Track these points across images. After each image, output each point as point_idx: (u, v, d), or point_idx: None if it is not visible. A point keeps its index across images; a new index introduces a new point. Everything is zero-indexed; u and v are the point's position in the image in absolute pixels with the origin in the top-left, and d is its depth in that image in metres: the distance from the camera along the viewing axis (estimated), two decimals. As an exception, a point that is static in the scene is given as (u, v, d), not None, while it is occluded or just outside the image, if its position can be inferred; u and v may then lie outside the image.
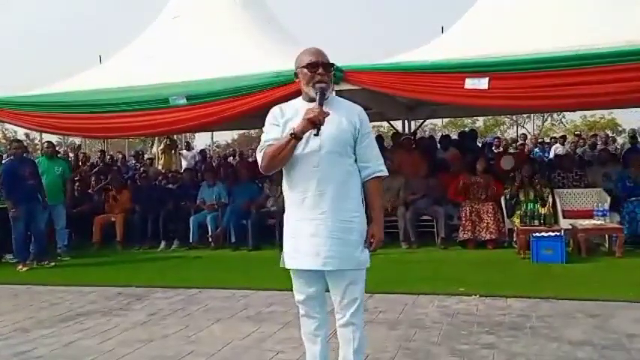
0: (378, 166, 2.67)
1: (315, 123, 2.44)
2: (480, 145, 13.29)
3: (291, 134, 2.48)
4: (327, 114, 2.47)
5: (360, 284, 2.63)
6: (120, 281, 6.22)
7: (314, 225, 2.56)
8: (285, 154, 2.54)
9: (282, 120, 2.64)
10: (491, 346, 3.66)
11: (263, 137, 2.68)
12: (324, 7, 78.55)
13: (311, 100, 2.56)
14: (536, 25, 6.89)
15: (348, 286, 2.59)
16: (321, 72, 2.58)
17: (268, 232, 8.37)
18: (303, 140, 2.51)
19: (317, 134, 2.47)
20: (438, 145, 10.55)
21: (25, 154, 7.85)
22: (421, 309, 4.61)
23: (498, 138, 16.82)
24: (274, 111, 2.72)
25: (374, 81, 6.98)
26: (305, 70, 2.61)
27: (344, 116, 2.60)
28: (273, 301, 5.04)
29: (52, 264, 7.44)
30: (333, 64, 2.64)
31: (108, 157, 13.99)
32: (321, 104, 2.48)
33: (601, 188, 7.56)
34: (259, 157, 2.64)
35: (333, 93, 2.72)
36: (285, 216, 2.72)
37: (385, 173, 2.67)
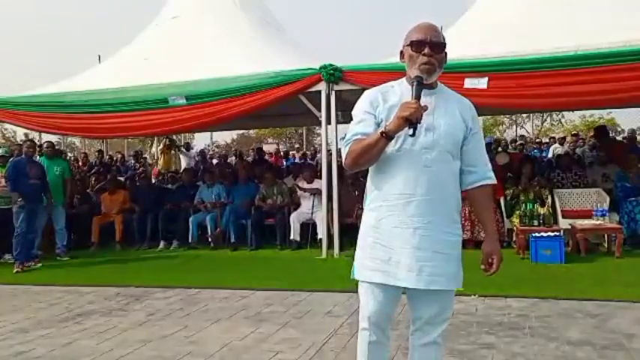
0: (486, 172, 2.29)
1: (411, 121, 2.06)
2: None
3: (382, 133, 2.09)
4: (426, 108, 2.09)
5: (453, 302, 2.37)
6: (119, 281, 6.22)
7: (417, 235, 2.17)
8: (374, 154, 2.14)
9: (384, 107, 2.21)
10: (490, 346, 3.66)
11: (351, 127, 2.24)
12: (324, 7, 78.55)
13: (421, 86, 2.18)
14: (536, 25, 6.89)
15: (443, 305, 2.29)
16: (427, 52, 2.16)
17: (268, 232, 8.38)
18: (422, 135, 2.16)
19: (413, 134, 2.09)
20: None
21: (34, 157, 7.89)
22: (420, 309, 4.60)
23: (497, 140, 16.80)
24: (371, 95, 2.25)
25: (373, 81, 6.92)
26: (410, 50, 2.20)
27: (457, 110, 2.23)
28: (273, 301, 5.03)
29: (39, 265, 7.42)
30: (444, 44, 2.20)
31: (107, 157, 14.00)
32: (418, 97, 2.10)
33: (600, 188, 7.56)
34: (344, 152, 2.22)
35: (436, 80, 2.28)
36: (370, 220, 2.26)
37: (494, 180, 2.29)
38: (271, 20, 9.79)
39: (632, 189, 7.22)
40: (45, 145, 8.60)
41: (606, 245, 6.96)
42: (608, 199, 7.24)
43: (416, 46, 2.18)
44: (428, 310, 2.28)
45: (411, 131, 2.08)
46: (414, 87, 2.12)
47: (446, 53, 2.24)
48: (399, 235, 2.18)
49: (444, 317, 2.32)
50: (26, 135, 15.20)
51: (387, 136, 2.10)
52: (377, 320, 2.28)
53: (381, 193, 2.22)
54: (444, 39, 2.22)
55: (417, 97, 2.10)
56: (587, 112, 26.60)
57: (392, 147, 2.17)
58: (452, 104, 2.24)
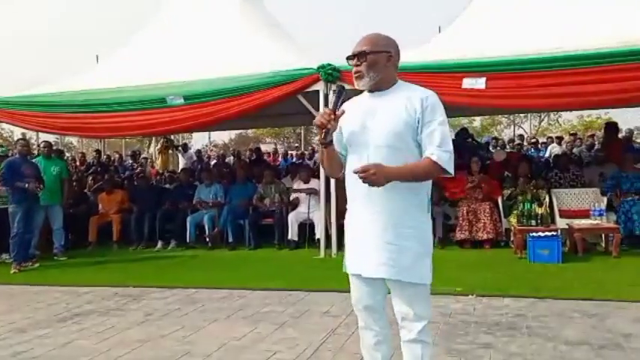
0: (433, 151, 2.28)
1: (320, 127, 2.30)
2: (481, 143, 13.26)
3: (320, 141, 2.37)
4: (338, 115, 2.31)
5: (425, 299, 2.42)
6: (116, 281, 6.21)
7: (372, 228, 2.35)
8: (324, 161, 2.46)
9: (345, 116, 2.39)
10: (488, 345, 3.67)
11: None
12: (322, 6, 78.55)
13: (369, 92, 2.42)
14: (534, 25, 6.90)
15: (410, 300, 2.38)
16: (353, 62, 2.39)
17: (266, 231, 8.38)
18: (358, 133, 2.36)
19: (325, 139, 2.32)
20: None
21: (29, 156, 7.86)
22: (418, 309, 4.61)
23: (495, 138, 16.84)
24: (346, 104, 2.44)
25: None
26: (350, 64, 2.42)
27: (403, 104, 2.33)
28: (270, 301, 5.03)
29: (37, 265, 7.41)
30: (363, 51, 2.35)
31: (104, 157, 13.98)
32: (334, 105, 2.32)
33: (597, 188, 7.57)
34: None
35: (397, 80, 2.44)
36: (346, 218, 2.52)
37: (439, 160, 2.27)
38: (270, 19, 9.78)
39: (629, 188, 7.26)
40: (42, 145, 8.60)
41: (603, 245, 6.97)
42: (605, 198, 7.25)
43: (349, 60, 2.42)
44: (399, 304, 2.41)
45: (327, 137, 2.33)
46: (333, 96, 2.35)
47: (380, 53, 2.37)
48: (361, 230, 2.40)
49: (417, 314, 2.39)
50: (23, 135, 15.19)
51: (322, 144, 2.38)
52: (359, 308, 2.51)
53: (348, 192, 2.46)
54: (371, 44, 2.37)
55: (334, 105, 2.33)
56: (585, 112, 26.68)
57: (348, 151, 2.44)
58: (399, 101, 2.35)
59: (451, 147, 2.31)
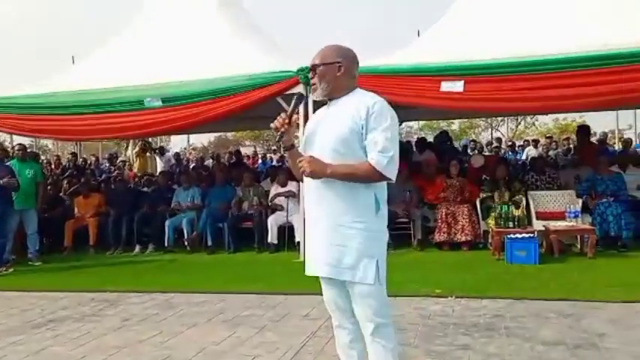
0: (373, 155, 2.36)
1: (275, 130, 2.49)
2: (459, 147, 13.42)
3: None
4: (292, 121, 2.51)
5: (375, 300, 2.44)
6: (93, 286, 6.11)
7: (319, 230, 2.49)
8: (291, 163, 2.60)
9: None
10: (466, 347, 3.69)
11: None
12: (301, 9, 78.64)
13: (328, 100, 2.57)
14: (511, 30, 6.98)
15: (357, 301, 2.46)
16: (310, 75, 2.57)
17: (245, 235, 8.33)
18: (310, 139, 2.53)
19: (278, 141, 2.51)
20: (414, 148, 10.63)
21: (5, 159, 7.69)
22: (398, 311, 4.62)
23: (474, 141, 17.03)
24: None
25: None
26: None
27: (350, 111, 2.42)
28: (250, 304, 5.00)
29: (11, 270, 7.26)
30: (314, 64, 2.52)
31: (80, 160, 13.78)
32: (291, 111, 2.51)
33: (573, 190, 7.70)
34: None
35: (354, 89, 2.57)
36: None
37: (377, 164, 2.34)
38: (250, 22, 9.74)
39: (586, 188, 7.43)
40: (16, 148, 8.43)
41: (579, 246, 7.08)
42: (580, 200, 7.37)
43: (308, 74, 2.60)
44: (353, 304, 2.50)
45: (281, 139, 2.51)
46: (293, 102, 2.55)
47: (330, 64, 2.49)
48: (313, 231, 2.53)
49: (367, 315, 2.45)
50: (-3, 137, 14.89)
51: (283, 147, 2.58)
52: (332, 308, 2.63)
53: (305, 195, 2.63)
54: (321, 57, 2.52)
55: (291, 111, 2.51)
56: (560, 115, 27.14)
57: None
58: (348, 108, 2.45)
59: (393, 153, 2.35)
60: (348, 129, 2.39)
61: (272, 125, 2.49)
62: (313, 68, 2.52)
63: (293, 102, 2.56)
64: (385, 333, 2.46)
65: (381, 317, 2.46)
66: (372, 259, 2.42)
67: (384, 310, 2.47)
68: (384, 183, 2.47)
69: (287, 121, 2.50)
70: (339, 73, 2.49)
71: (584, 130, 10.14)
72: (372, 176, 2.38)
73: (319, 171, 2.38)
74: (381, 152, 2.34)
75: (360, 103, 2.43)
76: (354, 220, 2.41)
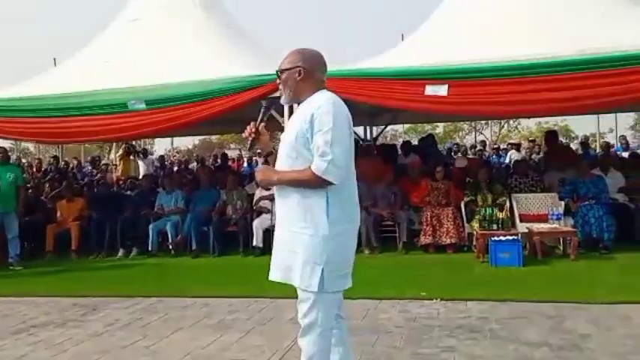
0: (314, 159, 2.35)
1: (246, 139, 2.60)
2: (444, 151, 13.53)
3: None
4: (259, 129, 2.58)
5: (309, 309, 2.43)
6: (75, 291, 6.02)
7: (276, 234, 2.54)
8: None
9: None
10: (451, 349, 3.71)
11: None
12: (285, 11, 78.70)
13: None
14: (494, 34, 7.06)
15: (301, 304, 2.47)
16: (277, 82, 2.60)
17: (230, 238, 8.29)
18: (280, 146, 2.58)
19: (250, 149, 2.61)
20: (399, 151, 10.68)
21: None
22: (383, 314, 4.64)
23: (457, 144, 17.18)
24: None
25: (335, 87, 6.90)
26: None
27: (300, 116, 2.45)
28: (235, 308, 4.98)
29: None
30: (277, 70, 2.57)
31: (62, 163, 13.62)
32: (261, 119, 2.59)
33: (555, 193, 7.78)
34: None
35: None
36: None
37: (316, 169, 2.33)
38: (235, 25, 9.72)
39: (569, 190, 7.53)
40: (-3, 151, 8.29)
41: (562, 248, 7.16)
42: (563, 203, 7.46)
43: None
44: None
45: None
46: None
47: (290, 70, 2.52)
48: (274, 236, 2.59)
49: (301, 319, 2.47)
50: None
51: (265, 156, 2.69)
52: None
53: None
54: (283, 63, 2.56)
55: (259, 120, 2.59)
56: (543, 119, 27.49)
57: None
58: (302, 113, 2.46)
59: (331, 157, 2.32)
60: (295, 134, 2.42)
61: (243, 135, 2.58)
62: (277, 74, 2.56)
63: (261, 110, 2.61)
64: (314, 341, 2.45)
65: (315, 325, 2.43)
66: (315, 266, 2.38)
67: (317, 319, 2.43)
68: (340, 186, 2.40)
69: (253, 130, 2.57)
70: (299, 77, 2.50)
71: (552, 136, 10.37)
72: (314, 181, 2.37)
73: (267, 179, 2.50)
74: (321, 156, 2.33)
75: (310, 106, 2.43)
76: (304, 226, 2.40)
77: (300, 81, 2.50)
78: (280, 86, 2.57)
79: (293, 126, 2.46)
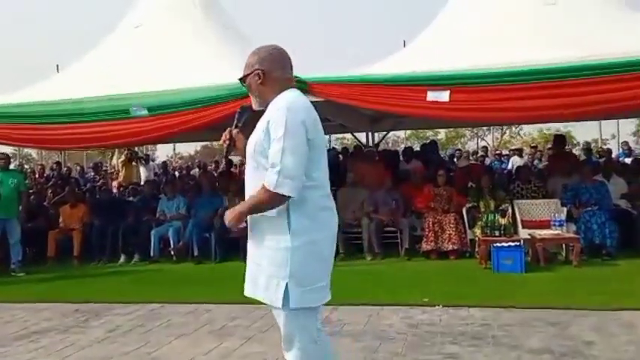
0: (267, 174, 2.22)
1: (222, 144, 2.52)
2: (446, 157, 13.53)
3: None
4: (233, 135, 2.49)
5: (283, 325, 2.31)
6: (77, 297, 6.02)
7: (249, 247, 2.43)
8: None
9: None
10: (454, 355, 3.70)
11: None
12: (288, 18, 78.97)
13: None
14: (496, 40, 7.07)
15: (279, 323, 2.35)
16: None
17: (232, 244, 8.27)
18: None
19: (226, 155, 2.59)
20: (401, 157, 10.68)
21: None
22: (386, 320, 4.62)
23: (460, 150, 17.16)
24: None
25: (337, 93, 7.02)
26: None
27: (260, 123, 2.31)
28: (237, 315, 4.96)
29: None
30: (242, 77, 2.44)
31: (65, 169, 13.63)
32: (234, 125, 2.51)
33: (558, 199, 7.77)
34: None
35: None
36: None
37: (269, 185, 2.19)
38: (235, 31, 9.75)
39: (571, 197, 7.51)
40: (-1, 157, 8.31)
41: (564, 254, 7.13)
42: (565, 209, 7.44)
43: None
44: None
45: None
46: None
47: (249, 76, 2.41)
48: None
49: (283, 338, 2.35)
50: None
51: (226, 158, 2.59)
52: None
53: None
54: (244, 68, 2.43)
55: (234, 125, 2.51)
56: (545, 125, 27.46)
57: None
58: (264, 117, 2.32)
59: (281, 167, 2.17)
60: (254, 143, 2.32)
61: (219, 142, 2.53)
62: (242, 82, 2.45)
63: (236, 115, 2.53)
64: (294, 353, 2.31)
65: (296, 344, 2.30)
66: (281, 281, 2.23)
67: (296, 337, 2.30)
68: (302, 196, 2.24)
69: (228, 136, 2.48)
70: (259, 80, 2.36)
71: (559, 140, 10.33)
72: (270, 200, 2.21)
73: (234, 219, 2.33)
74: (271, 168, 2.20)
75: (268, 112, 2.30)
76: (268, 238, 2.29)
77: (261, 84, 2.37)
78: (249, 92, 2.44)
79: (254, 133, 2.34)
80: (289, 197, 2.20)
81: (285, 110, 2.22)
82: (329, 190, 2.41)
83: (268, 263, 2.28)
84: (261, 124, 2.30)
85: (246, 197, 2.35)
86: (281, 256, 2.24)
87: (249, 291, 2.40)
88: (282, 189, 2.17)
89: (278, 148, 2.18)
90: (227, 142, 2.48)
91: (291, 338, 2.32)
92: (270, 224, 2.28)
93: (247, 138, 2.42)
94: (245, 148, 2.41)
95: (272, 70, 2.36)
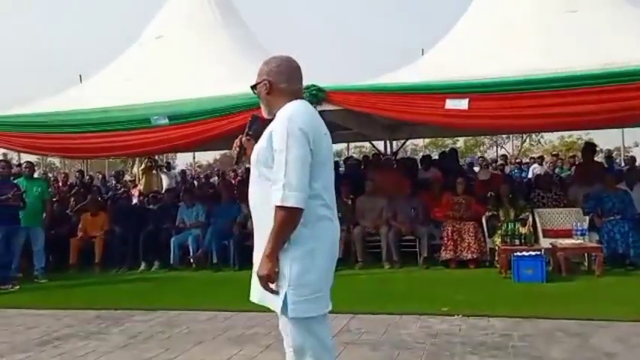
0: (274, 191, 2.21)
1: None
2: (465, 165, 13.44)
3: None
4: (243, 143, 2.53)
5: (289, 333, 2.32)
6: (98, 304, 6.10)
7: (255, 254, 2.42)
8: None
9: None
10: (474, 366, 3.66)
11: None
12: (306, 26, 79.46)
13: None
14: (515, 47, 7.04)
15: (284, 328, 2.36)
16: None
17: (251, 252, 8.29)
18: None
19: (237, 163, 2.64)
20: (420, 165, 10.64)
21: (10, 176, 7.75)
22: (404, 329, 4.59)
23: (482, 157, 17.03)
24: None
25: (356, 101, 7.05)
26: None
27: (269, 130, 2.33)
28: (256, 322, 4.97)
29: (17, 287, 7.27)
30: (253, 86, 2.53)
31: (87, 177, 13.83)
32: (246, 133, 2.56)
33: (580, 208, 7.66)
34: None
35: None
36: None
37: (276, 201, 2.18)
38: (253, 41, 9.86)
39: (611, 208, 7.35)
40: (24, 166, 8.48)
41: (587, 264, 7.02)
42: (587, 218, 7.34)
43: None
44: None
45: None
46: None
47: (259, 84, 2.48)
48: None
49: (294, 348, 2.34)
50: (4, 155, 15.00)
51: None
52: None
53: None
54: (257, 76, 2.51)
55: (246, 133, 2.55)
56: (566, 133, 27.16)
57: None
58: (270, 126, 2.34)
59: (286, 180, 2.17)
60: (256, 151, 2.35)
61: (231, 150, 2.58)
62: (253, 90, 2.52)
63: (247, 124, 2.59)
64: None
65: (300, 350, 2.30)
66: (281, 289, 2.24)
67: (300, 343, 2.30)
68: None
69: (238, 143, 2.54)
70: (267, 90, 2.42)
71: (589, 148, 10.14)
72: (285, 218, 2.18)
73: (265, 269, 2.22)
74: (276, 184, 2.20)
75: (274, 122, 2.33)
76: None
77: (268, 94, 2.42)
78: (260, 99, 2.51)
79: (259, 142, 2.37)
80: (301, 210, 2.19)
81: (286, 121, 2.25)
82: (329, 201, 2.36)
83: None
84: (265, 134, 2.34)
85: (250, 204, 2.43)
86: (281, 266, 2.25)
87: (255, 298, 2.44)
88: (288, 202, 2.16)
89: (281, 162, 2.20)
90: (237, 149, 2.55)
91: (301, 347, 2.31)
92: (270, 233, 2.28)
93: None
94: None
95: (279, 82, 2.41)
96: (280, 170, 2.19)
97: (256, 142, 2.42)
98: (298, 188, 2.18)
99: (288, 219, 2.19)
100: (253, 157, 2.37)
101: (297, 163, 2.19)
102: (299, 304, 2.24)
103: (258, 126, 2.52)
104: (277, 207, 2.18)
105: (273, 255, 2.22)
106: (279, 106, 2.36)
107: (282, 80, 2.41)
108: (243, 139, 2.54)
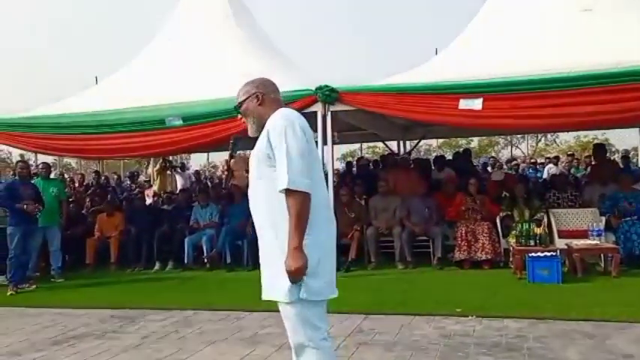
0: (280, 179, 2.30)
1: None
2: (479, 165, 13.36)
3: None
4: (229, 163, 2.69)
5: (288, 321, 2.42)
6: (113, 303, 6.16)
7: (260, 253, 2.55)
8: None
9: None
10: (488, 367, 3.64)
11: None
12: (320, 28, 79.51)
13: None
14: (529, 47, 6.99)
15: (285, 321, 2.46)
16: (239, 117, 2.68)
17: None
18: None
19: (225, 185, 2.71)
20: (433, 166, 10.60)
21: (30, 177, 7.87)
22: (418, 330, 4.58)
23: (493, 157, 16.91)
24: None
25: (369, 101, 7.04)
26: None
27: (265, 131, 2.45)
28: (269, 322, 4.98)
29: (34, 287, 7.37)
30: (238, 104, 2.64)
31: (103, 178, 13.97)
32: (230, 156, 2.71)
33: (596, 208, 7.57)
34: None
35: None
36: None
37: (282, 185, 2.27)
38: (266, 42, 9.89)
39: (609, 206, 7.31)
40: (40, 167, 8.60)
41: (603, 265, 6.94)
42: (603, 219, 7.25)
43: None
44: None
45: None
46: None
47: (247, 99, 2.60)
48: None
49: (290, 337, 2.45)
50: (22, 156, 15.20)
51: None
52: None
53: None
54: (239, 95, 2.65)
55: (230, 155, 2.71)
56: (582, 133, 26.90)
57: None
58: (264, 129, 2.45)
59: (288, 167, 2.28)
60: (255, 154, 2.46)
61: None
62: (237, 108, 2.63)
63: (230, 146, 2.73)
64: (310, 357, 2.39)
65: (303, 342, 2.40)
66: (281, 277, 2.34)
67: (302, 335, 2.40)
68: (286, 200, 2.32)
69: (226, 167, 2.70)
70: (258, 102, 2.56)
71: (599, 148, 10.05)
72: (296, 201, 2.27)
73: (295, 264, 2.27)
74: (280, 171, 2.30)
75: (267, 125, 2.45)
76: (270, 240, 2.44)
77: (259, 105, 2.56)
78: (244, 120, 2.62)
79: (255, 148, 2.48)
80: (308, 194, 2.29)
81: (281, 119, 2.40)
82: (322, 195, 2.48)
83: (269, 262, 2.45)
84: (262, 136, 2.45)
85: (250, 205, 2.53)
86: (275, 254, 2.38)
87: (263, 295, 2.52)
88: (294, 185, 2.27)
89: (282, 155, 2.32)
90: (226, 172, 2.69)
91: (300, 341, 2.40)
92: (271, 226, 2.43)
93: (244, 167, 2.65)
94: (242, 176, 2.66)
95: (269, 92, 2.60)
96: (282, 162, 2.31)
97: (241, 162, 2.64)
98: (303, 175, 2.30)
99: (301, 203, 2.29)
100: (253, 161, 2.48)
101: (297, 153, 2.32)
102: (310, 286, 2.35)
103: (240, 147, 2.67)
104: (288, 194, 2.28)
105: (300, 246, 2.29)
106: (269, 116, 2.49)
107: (271, 91, 2.61)
108: (231, 162, 2.68)
